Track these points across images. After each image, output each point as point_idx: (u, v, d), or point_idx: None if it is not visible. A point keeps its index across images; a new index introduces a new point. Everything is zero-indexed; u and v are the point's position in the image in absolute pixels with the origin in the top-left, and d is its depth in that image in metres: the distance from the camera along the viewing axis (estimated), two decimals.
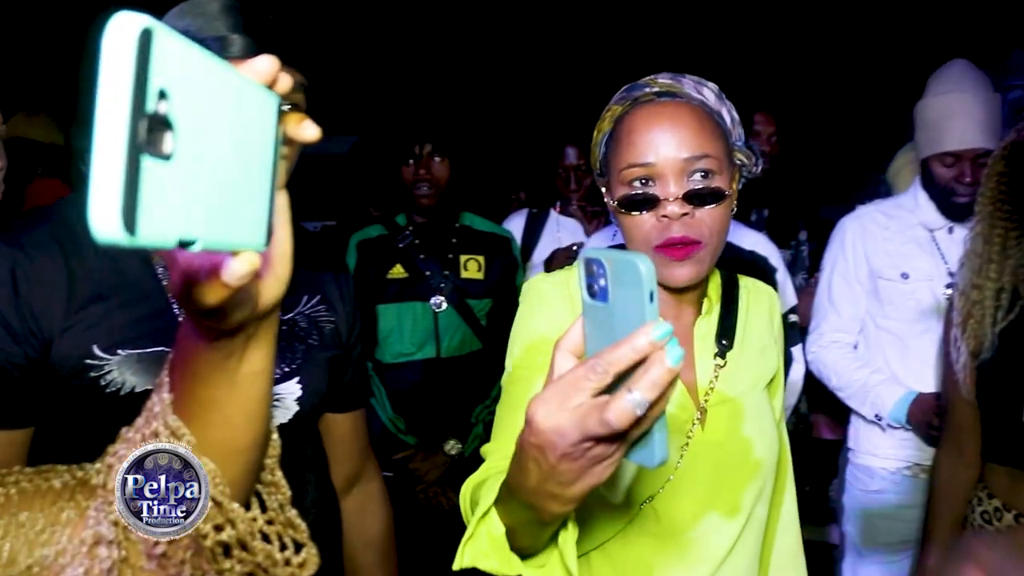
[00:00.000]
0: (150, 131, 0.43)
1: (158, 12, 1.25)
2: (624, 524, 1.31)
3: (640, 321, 0.74)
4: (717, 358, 1.39)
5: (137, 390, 1.25)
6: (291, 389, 1.46)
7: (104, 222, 0.41)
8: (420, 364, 2.85)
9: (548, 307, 1.38)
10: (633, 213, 1.29)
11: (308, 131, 0.64)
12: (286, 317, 1.49)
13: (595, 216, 3.54)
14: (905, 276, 2.73)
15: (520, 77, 6.30)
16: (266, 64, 0.59)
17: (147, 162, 0.43)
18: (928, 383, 2.70)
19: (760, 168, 1.40)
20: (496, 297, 2.96)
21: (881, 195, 3.26)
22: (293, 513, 0.85)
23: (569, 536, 0.98)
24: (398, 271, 2.92)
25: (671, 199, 1.25)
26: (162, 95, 0.43)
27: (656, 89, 1.33)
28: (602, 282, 0.78)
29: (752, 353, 1.45)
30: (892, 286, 2.76)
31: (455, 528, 1.13)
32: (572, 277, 1.43)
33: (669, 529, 1.32)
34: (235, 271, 0.57)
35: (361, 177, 4.09)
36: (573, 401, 0.75)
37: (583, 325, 0.81)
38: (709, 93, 1.34)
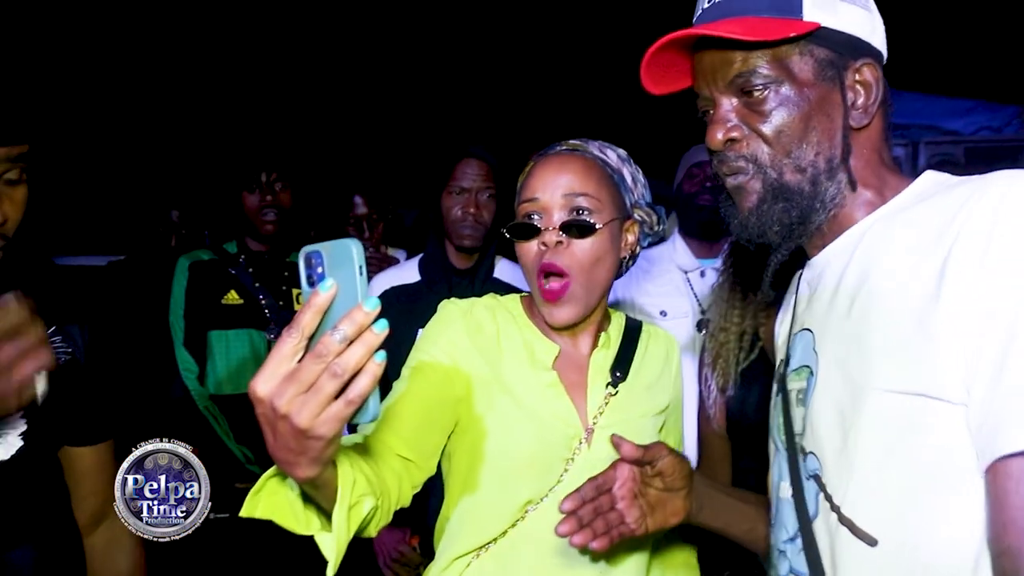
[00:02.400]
0: None
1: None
2: (509, 526, 1.46)
3: (353, 292, 0.88)
4: (609, 387, 1.56)
5: None
6: (13, 424, 1.41)
7: None
8: None
9: (448, 331, 1.54)
10: (520, 240, 1.51)
11: None
12: None
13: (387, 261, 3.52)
14: (664, 313, 3.00)
15: (311, 124, 6.19)
16: None
17: None
18: (686, 416, 2.97)
19: (664, 229, 1.64)
20: None
21: None
22: None
23: (341, 509, 1.07)
24: (233, 297, 2.86)
25: (549, 228, 1.47)
26: None
27: (563, 147, 1.55)
28: (320, 270, 0.92)
29: (643, 387, 1.61)
30: (653, 323, 3.02)
31: (306, 557, 1.18)
32: (476, 303, 1.60)
33: (552, 535, 1.45)
34: None
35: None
36: (282, 367, 0.87)
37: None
38: (612, 154, 1.56)
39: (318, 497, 1.08)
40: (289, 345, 0.87)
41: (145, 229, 4.03)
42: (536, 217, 1.49)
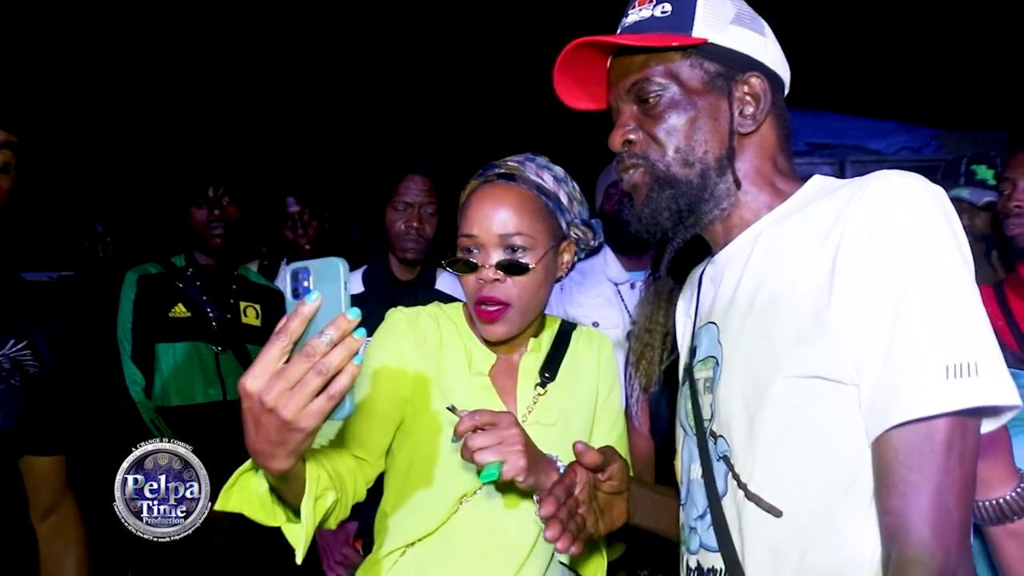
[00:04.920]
0: None
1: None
2: (444, 520, 1.55)
3: (337, 303, 0.98)
4: (538, 388, 1.67)
5: None
6: None
7: None
8: (208, 407, 2.83)
9: (394, 338, 1.64)
10: (460, 273, 1.59)
11: None
12: None
13: None
14: (596, 325, 3.03)
15: (242, 125, 6.21)
16: None
17: None
18: None
19: (600, 242, 1.72)
20: None
21: None
22: None
23: (308, 500, 1.17)
24: (180, 310, 2.90)
25: (486, 266, 1.55)
26: None
27: (501, 171, 1.61)
28: (306, 284, 1.02)
29: (571, 384, 1.71)
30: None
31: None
32: (421, 311, 1.69)
33: (485, 525, 1.55)
34: None
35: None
36: (270, 367, 0.97)
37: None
38: (549, 177, 1.62)
39: (284, 492, 1.18)
40: (277, 347, 0.97)
41: (73, 242, 4.07)
42: (474, 251, 1.57)
